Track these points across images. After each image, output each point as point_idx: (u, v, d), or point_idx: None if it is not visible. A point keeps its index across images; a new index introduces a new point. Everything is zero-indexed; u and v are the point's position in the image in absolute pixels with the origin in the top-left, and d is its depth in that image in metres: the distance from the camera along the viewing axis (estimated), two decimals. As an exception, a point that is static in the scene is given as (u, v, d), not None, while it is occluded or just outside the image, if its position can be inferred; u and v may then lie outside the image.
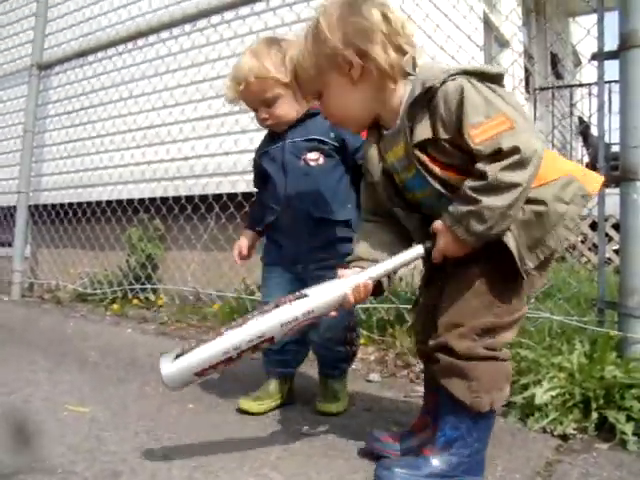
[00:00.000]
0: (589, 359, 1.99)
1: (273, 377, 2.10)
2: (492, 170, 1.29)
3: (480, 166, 1.32)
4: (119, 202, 4.91)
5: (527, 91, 7.35)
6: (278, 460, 1.60)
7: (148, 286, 4.52)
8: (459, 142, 1.36)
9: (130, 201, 4.84)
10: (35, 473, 1.46)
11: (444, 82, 1.37)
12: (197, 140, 4.48)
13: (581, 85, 7.99)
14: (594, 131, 8.00)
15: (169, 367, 1.41)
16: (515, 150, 1.28)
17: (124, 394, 2.21)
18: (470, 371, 1.42)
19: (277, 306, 1.44)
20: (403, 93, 1.48)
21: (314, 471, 1.53)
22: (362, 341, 2.91)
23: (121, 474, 1.37)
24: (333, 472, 1.53)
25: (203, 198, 4.21)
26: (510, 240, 1.37)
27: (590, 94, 6.37)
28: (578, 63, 9.71)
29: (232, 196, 3.99)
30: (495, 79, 1.41)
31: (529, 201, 1.36)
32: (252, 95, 1.97)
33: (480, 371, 1.42)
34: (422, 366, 2.50)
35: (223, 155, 4.26)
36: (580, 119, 8.26)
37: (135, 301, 4.53)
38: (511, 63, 4.99)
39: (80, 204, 5.32)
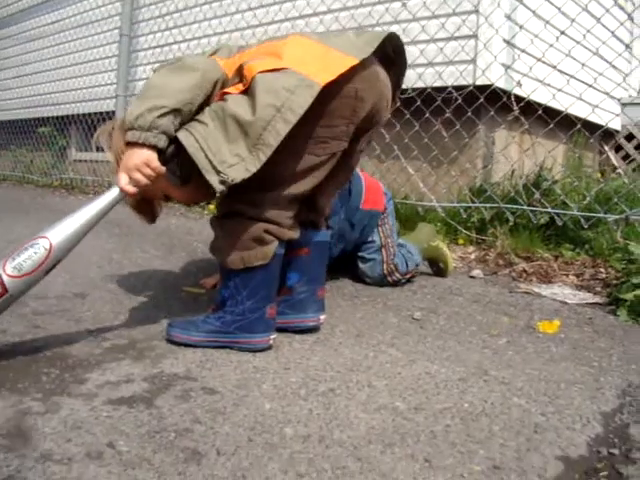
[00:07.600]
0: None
1: None
2: None
3: None
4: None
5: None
6: (393, 339, 1.65)
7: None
8: None
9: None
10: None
11: None
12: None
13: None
14: None
15: None
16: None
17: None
18: (217, 228, 1.53)
19: None
20: None
21: (431, 350, 1.58)
22: (461, 241, 2.91)
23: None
24: (450, 351, 1.57)
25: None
26: (186, 138, 1.35)
27: None
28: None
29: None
30: None
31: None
32: None
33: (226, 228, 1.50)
34: (525, 264, 2.50)
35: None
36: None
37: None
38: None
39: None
